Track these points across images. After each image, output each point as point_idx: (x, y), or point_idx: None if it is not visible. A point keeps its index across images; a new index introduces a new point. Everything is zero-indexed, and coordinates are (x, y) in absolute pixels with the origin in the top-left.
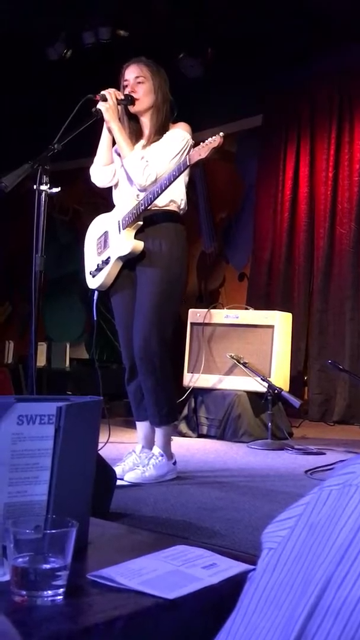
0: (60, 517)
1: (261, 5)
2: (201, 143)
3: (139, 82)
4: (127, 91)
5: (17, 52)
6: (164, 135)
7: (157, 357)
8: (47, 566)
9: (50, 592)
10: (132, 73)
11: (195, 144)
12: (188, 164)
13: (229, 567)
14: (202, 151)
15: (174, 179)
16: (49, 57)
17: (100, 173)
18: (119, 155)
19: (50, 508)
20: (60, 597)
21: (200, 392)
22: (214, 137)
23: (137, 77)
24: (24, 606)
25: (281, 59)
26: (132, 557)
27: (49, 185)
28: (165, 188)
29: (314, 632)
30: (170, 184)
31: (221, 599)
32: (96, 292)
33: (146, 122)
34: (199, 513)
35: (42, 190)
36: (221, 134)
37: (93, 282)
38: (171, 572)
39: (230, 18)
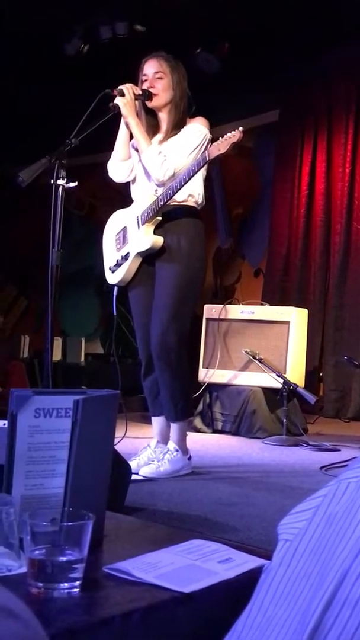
0: (77, 510)
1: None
2: (220, 138)
3: (158, 78)
4: (145, 86)
5: (35, 47)
6: (182, 129)
7: (173, 352)
8: (64, 558)
9: (66, 585)
10: (151, 68)
11: (213, 140)
12: (207, 159)
13: (245, 562)
14: (221, 146)
15: (194, 174)
16: (66, 52)
17: (117, 168)
18: (136, 150)
19: (67, 501)
20: (76, 590)
21: (215, 388)
22: (233, 132)
23: (156, 72)
24: (40, 598)
25: (297, 54)
26: (148, 551)
27: (65, 179)
28: (185, 183)
29: (331, 623)
30: (189, 179)
31: (237, 594)
32: (116, 288)
33: (164, 117)
34: (213, 508)
35: (59, 185)
36: (240, 128)
37: (113, 278)
38: (187, 566)
39: (246, 12)
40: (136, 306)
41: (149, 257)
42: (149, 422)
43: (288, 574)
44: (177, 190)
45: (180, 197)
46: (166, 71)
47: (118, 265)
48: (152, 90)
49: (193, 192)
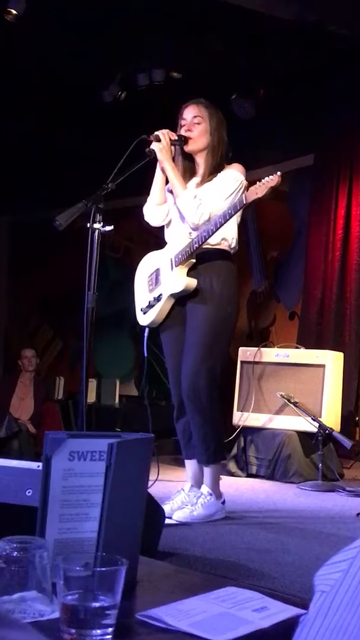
0: (110, 555)
1: (311, 44)
2: (257, 182)
3: (196, 122)
4: (183, 130)
5: (73, 94)
6: (218, 175)
7: (204, 395)
8: (97, 604)
9: (99, 631)
10: (190, 113)
11: (250, 183)
12: (244, 202)
13: (280, 611)
14: (259, 190)
15: (230, 217)
16: (103, 98)
17: (153, 212)
18: (172, 193)
19: (100, 545)
20: (109, 637)
21: (250, 431)
22: (271, 177)
23: (194, 116)
24: None
25: (332, 98)
26: (181, 598)
27: (102, 223)
28: (220, 226)
29: None
30: (225, 222)
31: None
32: (147, 329)
33: (201, 162)
34: (248, 554)
35: (96, 229)
36: (279, 173)
37: (144, 319)
38: (221, 614)
39: (281, 57)
40: (168, 348)
41: (180, 299)
42: (182, 465)
43: (325, 625)
44: (213, 233)
45: (213, 240)
46: (205, 116)
47: (150, 306)
48: (189, 134)
49: (227, 236)
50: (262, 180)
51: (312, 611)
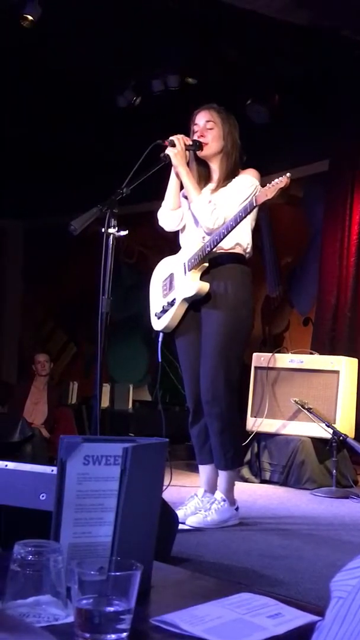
0: (125, 560)
1: (327, 50)
2: (268, 184)
3: (209, 128)
4: (196, 136)
5: (88, 99)
6: (233, 180)
7: (223, 400)
8: (111, 609)
9: (113, 636)
10: (202, 118)
11: (261, 186)
12: (255, 204)
13: (295, 618)
14: (268, 192)
15: (241, 220)
16: (118, 104)
17: (168, 217)
18: (186, 198)
19: (115, 550)
20: None
21: (263, 437)
22: (280, 178)
23: (207, 121)
24: None
25: (348, 103)
26: (196, 603)
27: (116, 228)
28: (232, 229)
29: None
30: (236, 224)
31: None
32: (161, 334)
33: (215, 167)
34: (261, 560)
35: (110, 234)
36: (288, 174)
37: (158, 324)
38: (236, 620)
39: (297, 62)
40: (183, 353)
41: (195, 304)
42: (195, 470)
43: (342, 631)
44: (224, 236)
45: (227, 245)
46: (217, 121)
47: (164, 311)
48: (202, 139)
49: (241, 241)
50: (272, 182)
51: (329, 617)
